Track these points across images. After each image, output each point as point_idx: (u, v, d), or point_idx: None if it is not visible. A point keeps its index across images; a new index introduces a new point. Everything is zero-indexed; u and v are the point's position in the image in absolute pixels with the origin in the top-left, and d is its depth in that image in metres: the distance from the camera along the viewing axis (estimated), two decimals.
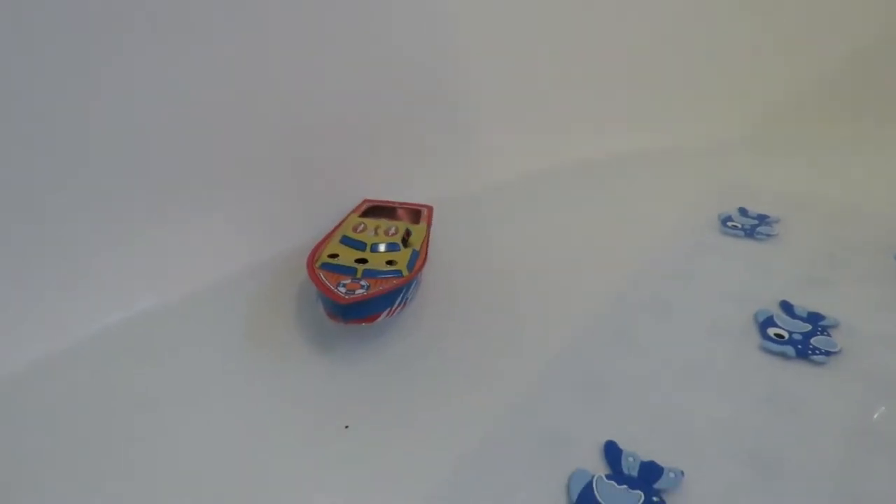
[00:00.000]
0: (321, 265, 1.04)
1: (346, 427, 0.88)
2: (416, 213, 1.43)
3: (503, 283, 1.28)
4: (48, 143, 1.02)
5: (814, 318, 1.15)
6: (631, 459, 0.82)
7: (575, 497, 0.77)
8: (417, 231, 1.25)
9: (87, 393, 0.94)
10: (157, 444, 0.85)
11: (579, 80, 2.03)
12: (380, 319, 0.97)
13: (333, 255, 1.08)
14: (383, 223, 1.25)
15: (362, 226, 1.23)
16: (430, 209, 1.45)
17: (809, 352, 1.04)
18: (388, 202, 1.48)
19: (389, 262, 1.08)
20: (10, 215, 1.01)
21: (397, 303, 1.01)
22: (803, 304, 1.18)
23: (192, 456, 0.83)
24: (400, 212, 1.45)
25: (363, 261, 1.07)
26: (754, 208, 1.63)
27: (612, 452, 0.84)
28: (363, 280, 0.98)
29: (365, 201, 1.47)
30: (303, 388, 0.96)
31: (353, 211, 1.40)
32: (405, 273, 1.05)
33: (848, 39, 2.29)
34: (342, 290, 0.93)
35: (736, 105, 2.26)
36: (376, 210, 1.44)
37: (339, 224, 1.29)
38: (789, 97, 2.32)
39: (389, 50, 1.55)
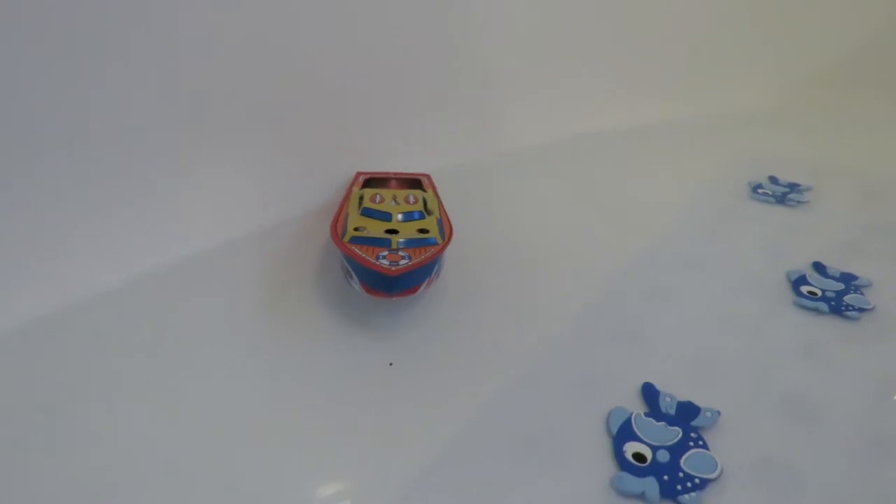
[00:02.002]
0: (351, 239, 1.00)
1: (391, 364, 0.91)
2: (415, 182, 1.39)
3: (526, 246, 1.28)
4: (74, 97, 1.04)
5: (846, 277, 1.15)
6: (668, 399, 0.85)
7: (615, 431, 0.80)
8: (430, 199, 1.23)
9: (92, 347, 0.94)
10: (170, 397, 0.86)
11: (605, 49, 2.02)
12: (420, 290, 0.93)
13: (360, 228, 1.05)
14: (400, 192, 1.22)
15: (379, 196, 1.19)
16: (429, 177, 1.42)
17: (843, 308, 1.06)
18: (383, 173, 1.42)
19: (421, 231, 1.05)
20: (32, 164, 1.01)
21: (434, 272, 0.98)
22: (836, 265, 1.19)
23: (204, 411, 0.84)
24: (394, 182, 1.40)
25: (394, 231, 1.04)
26: (785, 177, 1.63)
27: (649, 393, 0.86)
28: (401, 251, 0.95)
29: (359, 174, 1.41)
30: (332, 356, 0.95)
31: (353, 184, 1.34)
32: (440, 241, 1.02)
33: (881, 9, 2.26)
34: (384, 262, 0.89)
35: (765, 75, 2.24)
36: (374, 181, 1.38)
37: (346, 197, 1.24)
38: (819, 68, 2.29)
39: (398, 17, 1.51)
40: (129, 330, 0.99)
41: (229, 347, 0.97)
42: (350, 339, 0.97)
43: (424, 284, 0.95)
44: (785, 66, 2.26)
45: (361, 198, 1.19)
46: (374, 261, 0.89)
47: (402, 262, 0.90)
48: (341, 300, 1.06)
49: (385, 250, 0.95)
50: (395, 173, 1.43)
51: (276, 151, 1.35)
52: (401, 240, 1.00)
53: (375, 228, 1.05)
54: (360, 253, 0.92)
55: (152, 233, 1.15)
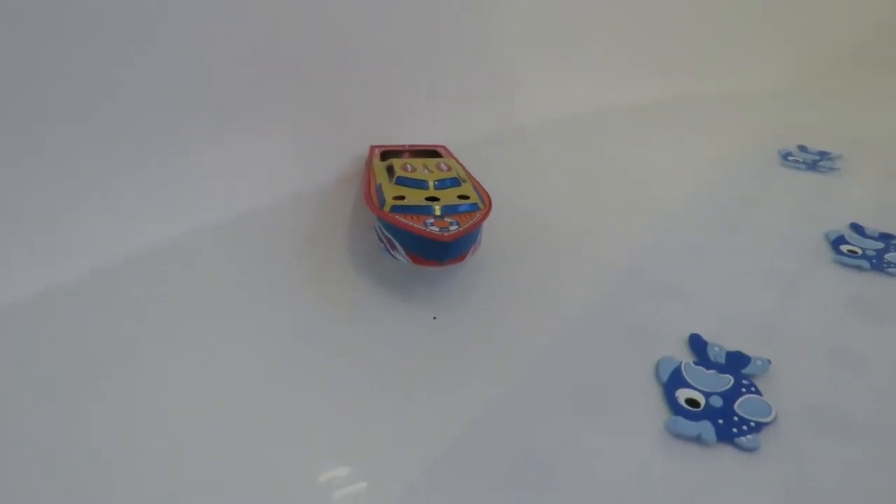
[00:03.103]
0: (392, 208, 0.96)
1: (434, 318, 0.91)
2: (433, 154, 1.37)
3: (557, 213, 1.27)
4: (118, 66, 1.04)
5: (885, 237, 1.14)
6: (717, 349, 0.84)
7: (665, 378, 0.79)
8: (457, 167, 1.21)
9: (124, 306, 0.93)
10: (189, 359, 0.84)
11: (628, 24, 2.01)
12: (467, 258, 0.92)
13: (399, 198, 1.01)
14: (430, 160, 1.21)
15: (409, 166, 1.15)
16: (445, 148, 1.40)
17: (885, 265, 1.05)
18: (399, 146, 1.38)
19: (461, 197, 1.02)
20: (74, 127, 1.01)
21: (478, 239, 0.97)
22: (873, 227, 1.18)
23: (221, 375, 0.82)
24: (408, 154, 1.36)
25: (434, 199, 1.01)
26: (814, 147, 1.61)
27: (697, 343, 0.86)
28: (447, 217, 0.92)
29: (373, 147, 1.37)
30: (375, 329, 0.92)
31: (371, 157, 1.31)
32: (481, 206, 0.99)
33: None
34: (434, 229, 0.87)
35: (789, 52, 2.21)
36: (391, 154, 1.34)
37: (370, 169, 1.21)
38: (841, 45, 2.27)
39: None
40: (155, 291, 0.97)
41: (254, 316, 0.94)
42: (389, 307, 0.96)
43: (471, 251, 0.94)
44: (808, 44, 2.23)
45: (391, 167, 1.17)
46: (424, 228, 0.87)
47: (452, 227, 0.88)
48: (375, 270, 1.04)
49: (430, 218, 0.92)
50: (411, 145, 1.41)
51: (285, 127, 1.32)
52: (444, 206, 0.97)
53: (415, 197, 1.02)
54: (408, 221, 0.90)
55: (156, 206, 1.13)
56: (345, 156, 1.40)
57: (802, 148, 1.60)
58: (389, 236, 0.95)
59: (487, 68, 1.75)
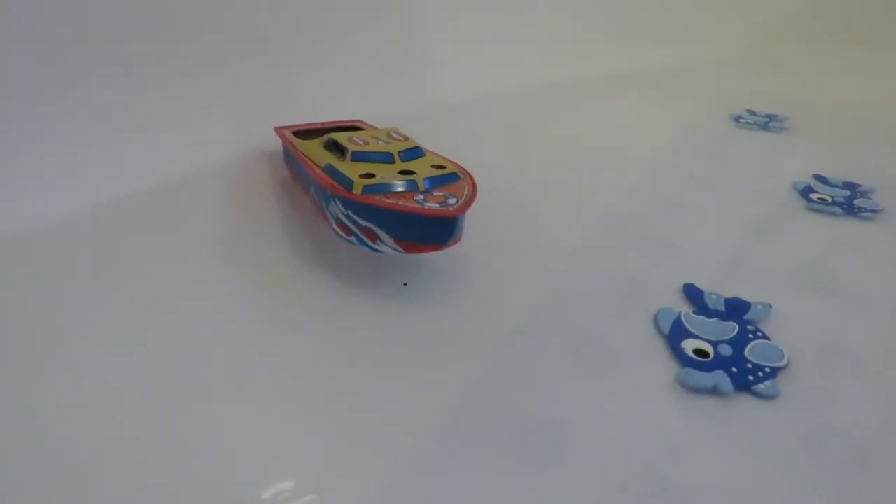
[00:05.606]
0: (365, 189, 0.79)
1: (405, 284, 0.80)
2: (354, 129, 1.17)
3: (529, 181, 1.18)
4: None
5: (850, 185, 1.14)
6: (714, 297, 0.78)
7: (667, 330, 0.72)
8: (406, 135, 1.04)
9: (46, 274, 0.82)
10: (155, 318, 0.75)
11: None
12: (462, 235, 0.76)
13: (368, 175, 0.83)
14: (379, 132, 1.02)
15: (359, 139, 0.96)
16: (363, 122, 1.24)
17: (856, 210, 1.03)
18: (310, 124, 1.20)
19: (436, 167, 0.87)
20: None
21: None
22: (835, 177, 1.17)
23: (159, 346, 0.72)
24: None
25: (408, 172, 0.84)
26: (761, 110, 1.62)
27: (693, 292, 0.79)
28: (435, 191, 0.78)
29: (281, 129, 1.17)
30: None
31: (285, 140, 1.12)
32: (461, 175, 0.85)
33: None
34: (434, 205, 0.72)
35: (730, 25, 2.26)
36: (310, 133, 1.15)
37: (297, 151, 1.02)
38: (780, 17, 2.33)
39: None
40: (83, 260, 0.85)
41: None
42: (352, 280, 0.84)
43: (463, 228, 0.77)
44: (748, 16, 2.29)
45: (333, 143, 0.97)
46: (422, 206, 0.72)
47: (451, 201, 0.73)
48: (321, 248, 0.92)
49: (418, 194, 0.76)
50: (323, 123, 1.21)
51: (170, 108, 1.15)
52: (425, 179, 0.81)
53: (386, 173, 0.84)
54: (396, 202, 0.73)
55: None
56: (238, 138, 1.22)
57: (751, 112, 1.61)
58: (367, 224, 0.77)
59: (404, 43, 1.60)
